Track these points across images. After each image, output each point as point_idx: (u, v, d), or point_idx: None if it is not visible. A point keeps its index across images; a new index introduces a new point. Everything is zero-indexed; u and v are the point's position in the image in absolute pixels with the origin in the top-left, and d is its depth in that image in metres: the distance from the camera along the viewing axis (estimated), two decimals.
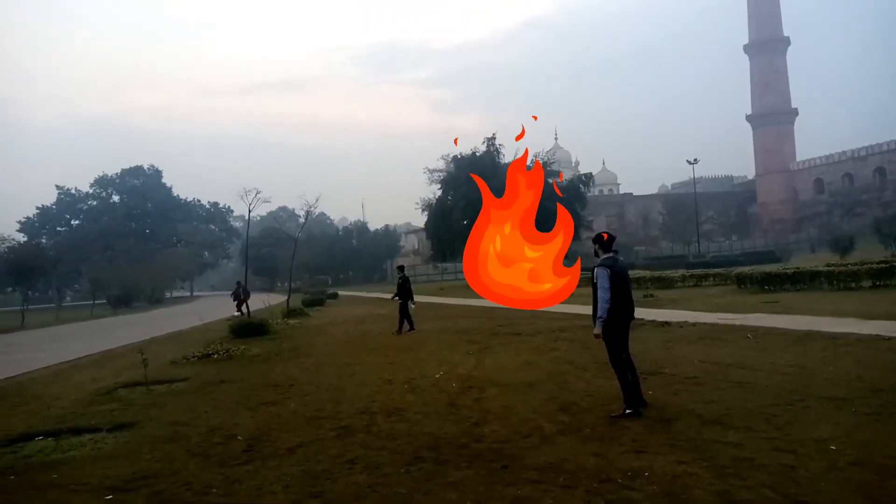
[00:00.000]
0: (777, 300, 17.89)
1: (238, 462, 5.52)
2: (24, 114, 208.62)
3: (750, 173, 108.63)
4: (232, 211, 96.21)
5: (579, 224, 57.63)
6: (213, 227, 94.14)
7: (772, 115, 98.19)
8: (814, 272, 21.88)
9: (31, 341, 22.72)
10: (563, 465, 4.89)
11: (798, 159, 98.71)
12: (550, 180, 56.25)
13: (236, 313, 27.08)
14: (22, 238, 66.04)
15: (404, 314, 16.09)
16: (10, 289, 46.46)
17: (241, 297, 29.02)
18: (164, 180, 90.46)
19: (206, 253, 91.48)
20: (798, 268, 23.82)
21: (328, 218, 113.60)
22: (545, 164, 57.56)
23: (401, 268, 17.43)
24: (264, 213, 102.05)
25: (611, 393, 7.38)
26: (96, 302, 53.87)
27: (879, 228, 55.32)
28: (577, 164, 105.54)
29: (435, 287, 52.05)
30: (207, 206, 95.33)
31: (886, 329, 10.83)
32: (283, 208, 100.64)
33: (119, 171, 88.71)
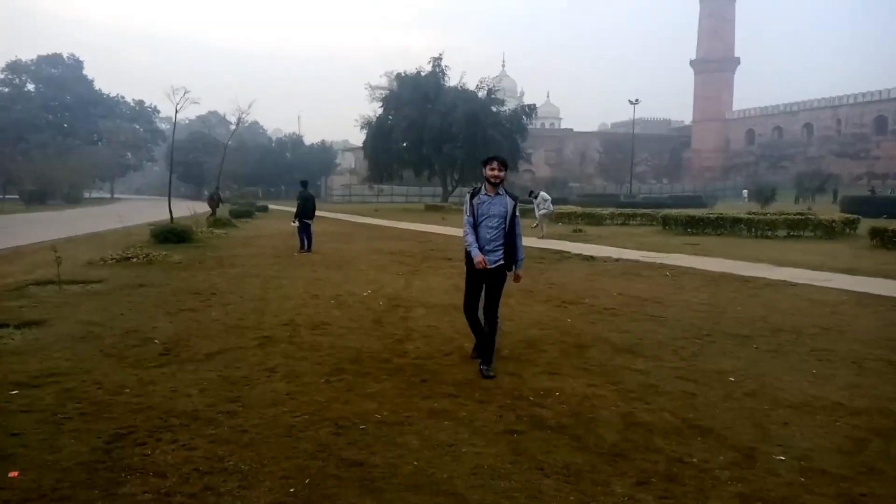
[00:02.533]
0: (698, 243, 18.67)
1: (153, 365, 5.42)
2: None
3: (687, 119, 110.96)
4: (158, 111, 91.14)
5: (519, 156, 57.91)
6: (137, 127, 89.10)
7: (714, 62, 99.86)
8: (735, 219, 22.86)
9: None
10: (480, 382, 5.04)
11: (734, 109, 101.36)
12: (494, 108, 55.97)
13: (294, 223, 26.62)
14: None
15: (305, 232, 15.55)
16: None
17: (215, 202, 28.26)
18: (85, 72, 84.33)
19: (129, 154, 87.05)
20: (720, 213, 24.83)
21: (261, 128, 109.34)
22: (491, 92, 56.92)
23: (304, 183, 16.49)
24: (193, 117, 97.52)
25: (532, 318, 7.62)
26: (7, 197, 50.85)
27: (800, 182, 58.09)
28: (523, 94, 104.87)
29: (370, 208, 51.70)
30: (132, 104, 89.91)
31: (794, 276, 11.52)
32: (214, 113, 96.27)
33: (35, 57, 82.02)
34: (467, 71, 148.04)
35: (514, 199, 5.29)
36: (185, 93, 21.03)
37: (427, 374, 5.23)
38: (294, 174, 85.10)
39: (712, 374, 5.31)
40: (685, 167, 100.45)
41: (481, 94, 56.84)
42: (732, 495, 3.15)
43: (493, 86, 57.65)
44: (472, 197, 5.31)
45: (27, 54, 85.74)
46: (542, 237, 19.32)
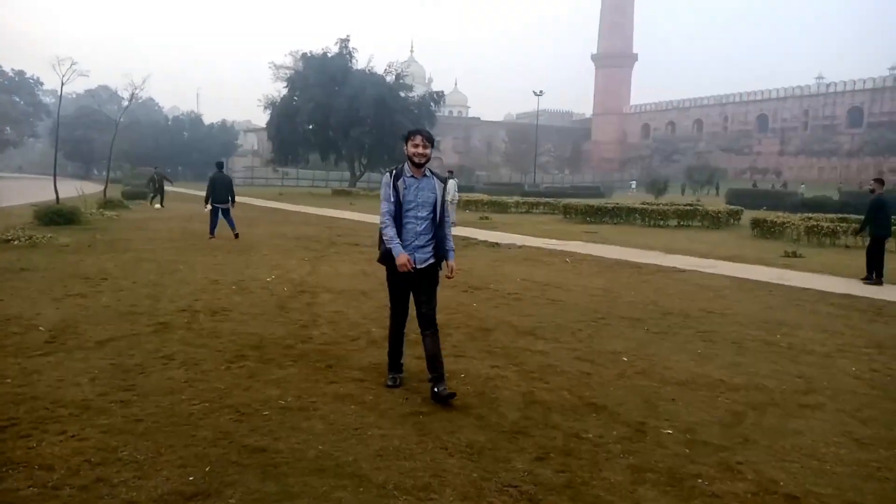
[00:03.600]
0: (596, 231, 19.47)
1: (38, 353, 5.08)
2: None
3: (588, 111, 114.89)
4: (42, 83, 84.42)
5: None
6: (16, 99, 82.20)
7: (614, 57, 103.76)
8: (630, 208, 24.01)
9: None
10: (386, 366, 5.06)
11: (632, 103, 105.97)
12: (402, 93, 55.72)
13: (157, 206, 24.73)
14: None
15: (225, 217, 14.42)
16: None
17: (155, 185, 26.31)
18: None
19: (8, 128, 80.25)
20: (617, 204, 26.00)
21: (157, 105, 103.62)
22: (399, 77, 56.63)
23: (219, 164, 15.22)
24: (81, 91, 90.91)
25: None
26: None
27: (690, 175, 61.66)
28: (431, 80, 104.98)
29: (274, 192, 50.26)
30: (11, 74, 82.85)
31: (683, 263, 12.26)
32: (105, 87, 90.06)
33: None
34: (375, 54, 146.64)
35: (443, 181, 4.46)
36: (71, 64, 19.62)
37: (333, 360, 5.20)
38: (192, 154, 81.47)
39: (607, 355, 5.59)
40: (586, 158, 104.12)
41: (389, 78, 56.50)
42: (624, 467, 3.35)
43: (402, 71, 57.47)
44: (395, 178, 4.31)
45: None
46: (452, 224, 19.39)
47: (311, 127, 54.93)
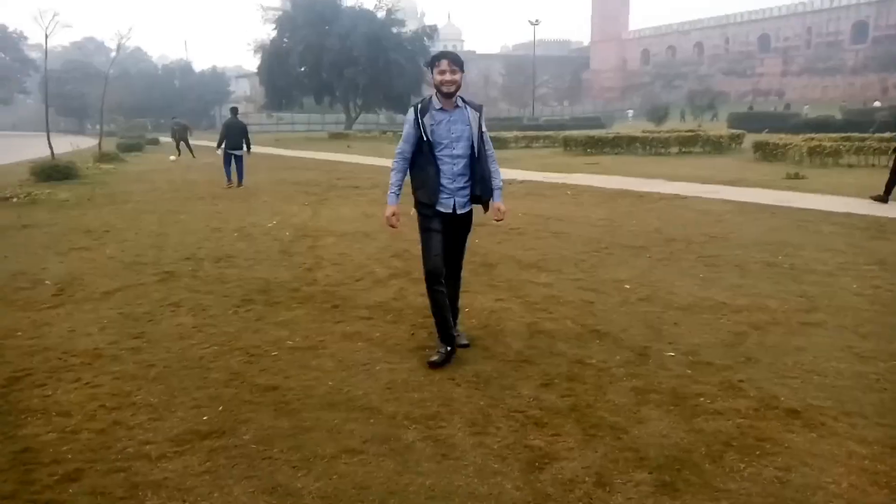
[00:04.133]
0: (597, 162, 19.31)
1: (47, 306, 5.14)
2: None
3: (586, 40, 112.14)
4: (26, 38, 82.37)
5: (423, 79, 56.91)
6: (2, 56, 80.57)
7: None
8: (631, 138, 23.72)
9: None
10: (392, 303, 5.12)
11: (630, 29, 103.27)
12: (395, 29, 54.33)
13: (172, 158, 24.44)
14: None
15: (237, 163, 14.27)
16: None
17: (178, 135, 26.11)
18: None
19: None
20: (617, 133, 25.67)
21: (145, 55, 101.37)
22: (390, 12, 55.08)
23: (233, 109, 15.11)
24: (67, 44, 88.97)
25: None
26: None
27: (692, 100, 60.62)
28: (423, 15, 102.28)
29: (270, 138, 49.68)
30: None
31: (685, 189, 12.20)
32: (91, 39, 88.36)
33: None
34: None
35: (478, 109, 3.85)
36: (54, 15, 19.07)
37: (339, 300, 5.25)
38: (185, 104, 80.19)
39: (610, 283, 5.63)
40: (585, 89, 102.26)
41: (380, 14, 54.98)
42: (628, 390, 3.42)
43: (393, 6, 55.78)
44: (420, 114, 3.70)
45: None
46: None
47: (303, 69, 53.85)
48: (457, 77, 3.67)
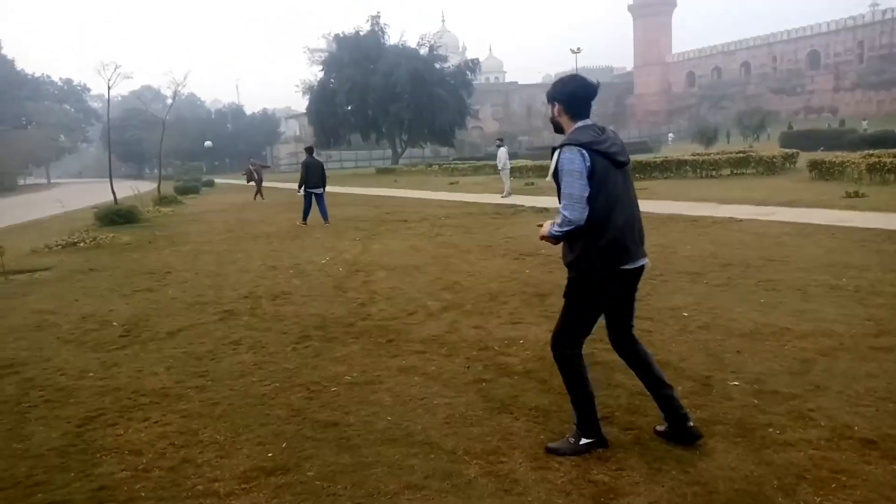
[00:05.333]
0: (646, 187, 19.06)
1: (115, 347, 5.35)
2: None
3: (629, 65, 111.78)
4: (89, 90, 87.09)
5: (466, 112, 57.63)
6: (68, 108, 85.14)
7: (652, 6, 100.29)
8: (680, 161, 23.40)
9: None
10: (446, 337, 5.14)
11: (674, 52, 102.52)
12: (437, 65, 55.32)
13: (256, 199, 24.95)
14: None
15: (318, 202, 14.46)
16: None
17: (254, 176, 26.56)
18: (4, 52, 79.67)
19: (63, 136, 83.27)
20: (666, 157, 25.36)
21: (199, 100, 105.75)
22: (433, 48, 56.17)
23: (308, 149, 15.34)
24: (126, 93, 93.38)
25: (492, 272, 7.74)
26: None
27: (741, 120, 59.47)
28: (465, 49, 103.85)
29: None
30: (59, 84, 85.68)
31: (739, 212, 11.94)
32: (148, 88, 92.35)
33: None
34: (407, 28, 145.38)
35: (555, 149, 2.96)
36: (115, 67, 20.15)
37: (393, 334, 5.30)
38: (238, 146, 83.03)
39: (666, 311, 5.53)
40: (630, 114, 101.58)
41: (423, 51, 56.11)
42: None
43: (435, 42, 56.93)
44: (587, 148, 2.85)
45: None
46: (506, 196, 18.92)
47: (349, 108, 55.19)
48: (551, 111, 3.11)
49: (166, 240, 12.83)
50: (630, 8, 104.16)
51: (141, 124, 71.15)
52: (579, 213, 2.83)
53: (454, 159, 55.77)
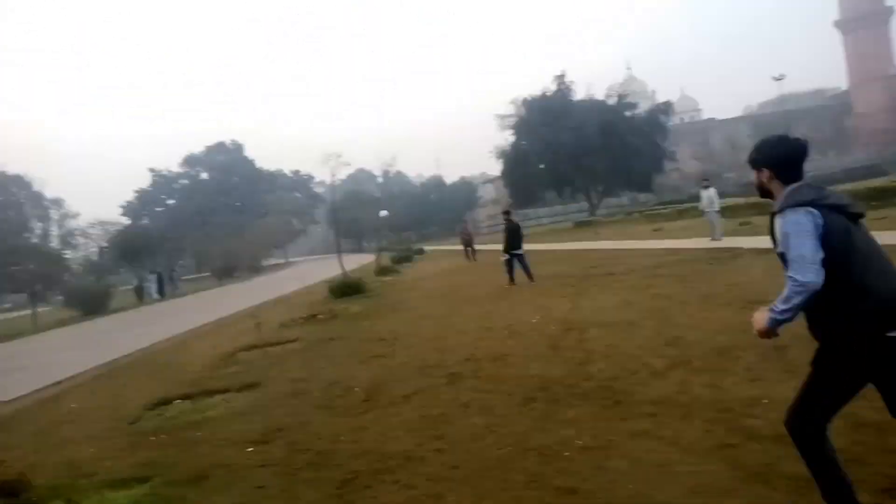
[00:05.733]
0: (885, 216, 16.78)
1: (360, 411, 5.87)
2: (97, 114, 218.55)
3: (842, 84, 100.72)
4: (313, 177, 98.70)
5: (662, 156, 55.74)
6: (297, 195, 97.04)
7: (863, 18, 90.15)
8: None
9: (151, 316, 24.53)
10: (677, 397, 4.91)
11: None
12: (627, 113, 54.60)
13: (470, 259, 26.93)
14: (126, 221, 70.51)
15: (520, 262, 14.88)
16: (121, 269, 49.85)
17: (468, 239, 28.81)
18: (246, 154, 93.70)
19: (294, 220, 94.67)
20: None
21: (405, 176, 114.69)
22: (621, 97, 55.62)
23: (506, 213, 15.84)
24: (344, 177, 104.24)
25: (717, 324, 7.26)
26: (201, 275, 57.12)
27: None
28: (654, 93, 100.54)
29: None
30: (290, 175, 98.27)
31: None
32: (361, 170, 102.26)
33: (204, 148, 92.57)
34: (593, 81, 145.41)
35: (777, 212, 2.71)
36: (337, 157, 22.71)
37: (619, 396, 5.18)
38: (441, 213, 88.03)
39: None
40: (852, 136, 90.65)
41: (611, 101, 55.84)
42: None
43: (623, 91, 56.48)
44: (814, 205, 2.56)
45: (197, 147, 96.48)
46: (717, 238, 17.86)
47: (542, 167, 56.17)
48: (756, 178, 2.88)
49: (390, 308, 13.88)
50: (838, 24, 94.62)
51: (357, 203, 78.68)
52: (814, 276, 2.49)
53: (655, 205, 53.84)
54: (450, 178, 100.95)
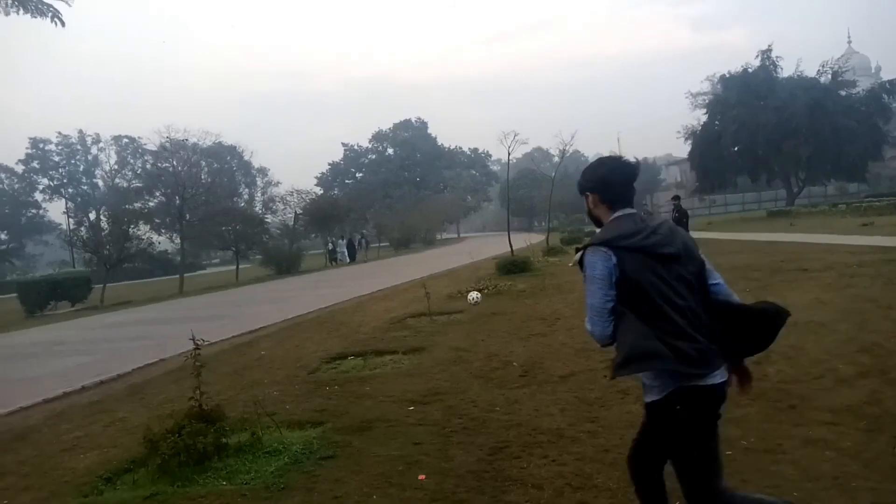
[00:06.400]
0: None
1: (516, 385, 5.97)
2: (307, 82, 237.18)
3: None
4: (490, 155, 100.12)
5: (882, 141, 49.12)
6: (473, 172, 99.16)
7: None
8: None
9: (334, 279, 26.63)
10: (864, 408, 4.42)
11: None
12: (842, 92, 48.72)
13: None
14: (319, 190, 76.66)
15: None
16: (313, 234, 54.39)
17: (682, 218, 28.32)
18: (429, 131, 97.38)
19: (469, 197, 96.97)
20: None
21: (583, 156, 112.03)
22: (836, 74, 49.68)
23: (675, 198, 15.78)
24: (520, 156, 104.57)
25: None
26: (381, 245, 60.76)
27: None
28: (879, 69, 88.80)
29: (702, 221, 48.80)
30: (468, 153, 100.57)
31: None
32: (538, 149, 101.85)
33: (391, 125, 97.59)
34: (803, 57, 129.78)
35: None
36: (514, 136, 22.83)
37: (795, 400, 4.77)
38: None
39: None
40: None
41: (824, 79, 49.91)
42: None
43: (839, 67, 50.13)
44: (610, 245, 2.46)
45: (384, 123, 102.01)
46: None
47: (735, 149, 52.01)
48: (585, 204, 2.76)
49: (555, 288, 13.81)
50: None
51: (531, 182, 78.63)
52: (601, 329, 2.42)
53: (867, 196, 47.75)
54: (630, 158, 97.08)
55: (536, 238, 35.87)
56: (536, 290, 13.59)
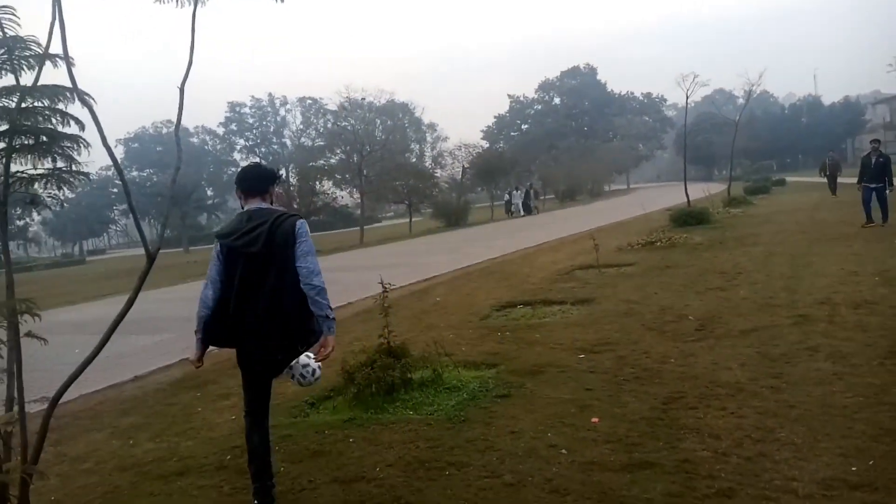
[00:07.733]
0: None
1: (691, 339, 5.83)
2: (472, 38, 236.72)
3: None
4: (665, 100, 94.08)
5: None
6: (646, 119, 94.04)
7: None
8: None
9: (502, 231, 27.06)
10: None
11: None
12: None
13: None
14: (485, 144, 77.27)
15: (878, 198, 13.18)
16: (479, 188, 55.17)
17: (831, 171, 25.63)
18: (598, 77, 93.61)
19: (641, 145, 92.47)
20: None
21: (772, 96, 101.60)
22: None
23: (875, 141, 14.07)
24: (699, 99, 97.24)
25: None
26: (546, 197, 60.26)
27: None
28: None
29: None
30: (640, 98, 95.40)
31: None
32: (720, 91, 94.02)
33: (559, 73, 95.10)
34: None
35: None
36: (694, 77, 21.34)
37: None
38: (813, 140, 76.65)
39: None
40: None
41: None
42: None
43: None
44: (218, 236, 3.45)
45: (552, 73, 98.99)
46: None
47: None
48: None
49: (736, 241, 12.99)
50: None
51: (711, 127, 73.13)
52: (204, 293, 3.22)
53: None
54: (830, 97, 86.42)
55: (716, 188, 33.61)
56: (715, 243, 12.89)
